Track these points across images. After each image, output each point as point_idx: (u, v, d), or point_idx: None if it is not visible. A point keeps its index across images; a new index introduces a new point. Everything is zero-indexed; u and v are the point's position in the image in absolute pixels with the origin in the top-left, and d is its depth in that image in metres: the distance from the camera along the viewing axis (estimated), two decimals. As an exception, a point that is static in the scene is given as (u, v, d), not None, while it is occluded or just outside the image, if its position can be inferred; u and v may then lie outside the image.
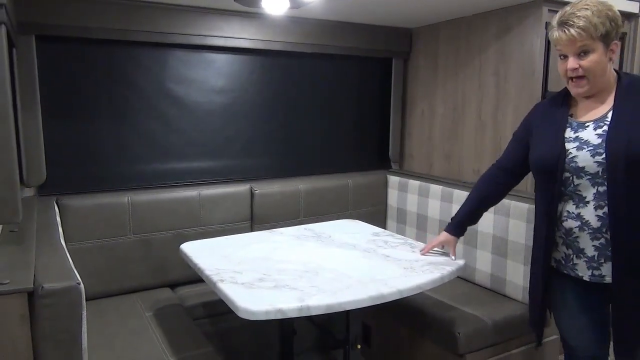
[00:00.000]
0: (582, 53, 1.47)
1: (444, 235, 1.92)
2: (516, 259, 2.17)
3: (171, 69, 2.44)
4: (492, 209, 2.26)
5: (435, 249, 1.94)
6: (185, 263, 1.91)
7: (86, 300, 1.23)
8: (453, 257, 1.87)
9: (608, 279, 1.55)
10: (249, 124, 2.69)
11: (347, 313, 1.74)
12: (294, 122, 2.84)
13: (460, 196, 2.45)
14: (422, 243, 2.08)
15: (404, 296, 1.58)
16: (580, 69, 1.48)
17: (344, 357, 1.85)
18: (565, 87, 1.63)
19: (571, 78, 1.52)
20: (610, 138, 1.48)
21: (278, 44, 2.61)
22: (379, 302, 1.52)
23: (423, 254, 1.90)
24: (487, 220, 2.29)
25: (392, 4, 2.37)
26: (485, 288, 2.34)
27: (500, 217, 2.24)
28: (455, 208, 2.46)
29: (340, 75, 2.95)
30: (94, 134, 2.32)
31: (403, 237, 2.17)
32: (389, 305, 1.68)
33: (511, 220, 2.19)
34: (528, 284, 1.86)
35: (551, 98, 1.74)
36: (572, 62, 1.49)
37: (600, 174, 1.50)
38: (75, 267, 1.28)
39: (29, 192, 2.20)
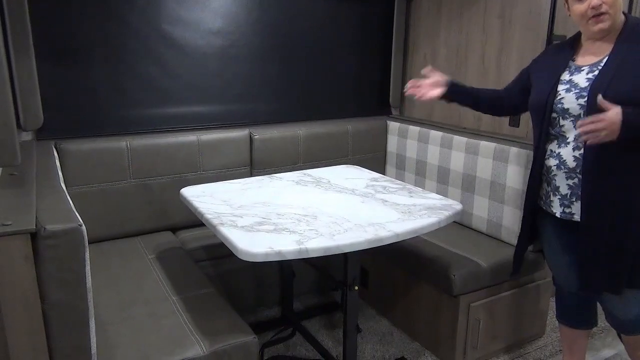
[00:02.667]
0: None
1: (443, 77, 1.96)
2: (513, 204, 2.20)
3: (166, 9, 2.37)
4: (490, 155, 2.27)
5: (434, 195, 1.97)
6: (186, 207, 1.93)
7: (89, 242, 1.25)
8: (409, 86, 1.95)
9: (576, 217, 1.64)
10: (247, 67, 2.64)
11: (345, 256, 1.77)
12: (293, 66, 2.78)
13: (460, 142, 2.44)
14: (419, 188, 2.09)
15: (401, 239, 1.61)
16: (603, 5, 1.49)
17: (342, 298, 1.91)
18: (576, 33, 1.64)
19: (593, 16, 1.52)
20: (594, 82, 1.52)
21: (277, -16, 2.51)
22: (376, 245, 1.55)
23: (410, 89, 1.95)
24: (485, 166, 2.30)
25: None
26: (481, 233, 2.38)
27: (498, 162, 2.24)
28: (454, 154, 2.48)
29: (341, 17, 2.86)
30: (90, 77, 2.27)
31: (401, 182, 2.18)
32: (386, 249, 1.71)
33: (509, 166, 2.19)
34: (523, 228, 1.92)
35: (562, 42, 1.78)
36: None
37: (582, 116, 1.56)
38: (77, 210, 1.30)
39: (27, 137, 2.19)
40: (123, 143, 2.26)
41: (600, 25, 1.53)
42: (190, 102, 2.53)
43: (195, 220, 1.92)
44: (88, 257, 1.23)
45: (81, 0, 2.18)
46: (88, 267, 1.23)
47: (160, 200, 2.36)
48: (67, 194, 1.49)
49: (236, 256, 1.46)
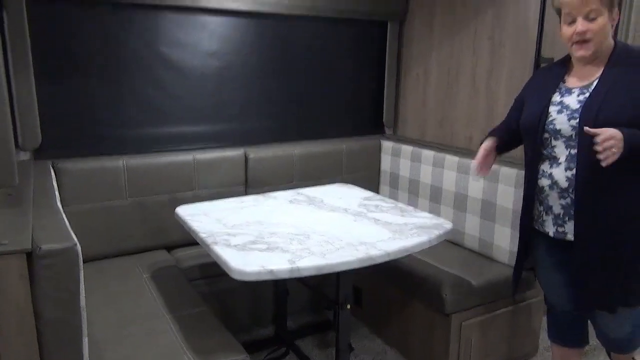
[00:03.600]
0: (590, 17, 1.52)
1: (490, 140, 1.82)
2: (504, 223, 2.23)
3: (164, 31, 2.42)
4: (482, 175, 2.30)
5: (425, 214, 1.99)
6: (181, 226, 1.95)
7: (85, 261, 1.28)
8: (476, 167, 1.79)
9: (570, 237, 1.66)
10: (243, 88, 2.69)
11: (338, 275, 1.79)
12: (288, 87, 2.83)
13: (452, 162, 2.48)
14: (411, 207, 2.12)
15: (392, 259, 1.64)
16: (588, 33, 1.53)
17: (335, 317, 1.92)
18: (566, 55, 1.68)
19: (577, 41, 1.57)
20: (586, 104, 1.56)
21: (271, 7, 2.57)
22: (367, 264, 1.58)
23: (478, 171, 1.81)
24: (477, 185, 2.34)
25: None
26: (473, 251, 2.41)
27: (490, 182, 2.27)
28: (446, 173, 2.51)
29: (335, 38, 2.92)
30: (88, 98, 2.31)
31: (394, 201, 2.21)
32: (379, 267, 1.74)
33: (500, 185, 2.23)
34: (515, 248, 1.94)
35: (552, 64, 1.83)
36: (581, 25, 1.53)
37: (573, 137, 1.59)
38: (73, 230, 1.32)
39: (24, 156, 2.22)
40: (120, 162, 2.29)
41: (582, 52, 1.57)
42: (187, 122, 2.57)
43: (190, 239, 1.94)
44: (82, 276, 1.25)
45: (81, 21, 2.24)
46: (82, 286, 1.25)
47: (156, 219, 2.38)
48: (63, 213, 1.51)
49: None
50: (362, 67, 3.06)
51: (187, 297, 1.93)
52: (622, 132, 1.43)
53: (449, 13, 2.70)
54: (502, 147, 1.86)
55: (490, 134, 1.89)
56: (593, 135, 1.45)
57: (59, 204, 1.68)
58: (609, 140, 1.41)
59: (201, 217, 1.94)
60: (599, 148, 1.42)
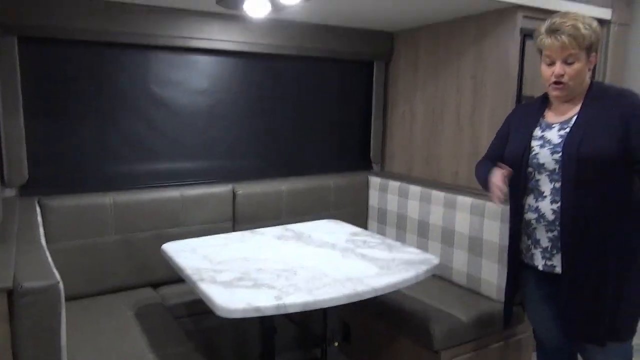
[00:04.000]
0: (569, 61, 1.60)
1: (500, 171, 1.74)
2: (491, 258, 2.23)
3: (154, 70, 2.47)
4: (468, 210, 2.33)
5: (412, 249, 2.00)
6: (167, 263, 1.94)
7: (69, 299, 1.26)
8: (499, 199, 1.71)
9: (558, 270, 1.67)
10: (232, 125, 2.72)
11: (325, 311, 1.78)
12: (277, 124, 2.87)
13: (438, 197, 2.51)
14: (398, 242, 2.13)
15: (379, 294, 1.63)
16: (565, 76, 1.61)
17: (322, 354, 1.90)
18: (545, 92, 1.75)
19: (554, 82, 1.64)
20: (567, 139, 1.62)
21: (260, 47, 2.64)
22: (354, 300, 1.57)
23: (499, 201, 1.72)
24: (463, 220, 2.35)
25: (373, 8, 2.42)
26: (461, 286, 2.40)
27: (476, 217, 2.30)
28: (433, 209, 2.53)
29: (322, 77, 2.99)
30: (77, 135, 2.33)
31: (381, 236, 2.22)
32: (367, 303, 1.73)
33: (486, 220, 2.25)
34: (502, 283, 1.94)
35: (531, 102, 1.89)
36: (559, 69, 1.61)
37: (557, 171, 1.64)
38: (57, 267, 1.31)
39: (10, 193, 2.21)
40: (107, 199, 2.28)
41: (557, 93, 1.65)
42: (175, 158, 2.59)
43: (176, 276, 1.93)
44: (64, 314, 1.23)
45: (72, 61, 2.28)
46: (64, 325, 1.23)
47: (142, 255, 2.36)
48: (47, 250, 1.50)
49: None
50: (350, 105, 3.12)
51: (172, 335, 1.89)
52: None
53: (433, 53, 2.78)
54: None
55: (485, 166, 1.87)
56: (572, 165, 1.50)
57: (43, 241, 1.67)
58: None
59: (187, 253, 1.92)
60: None
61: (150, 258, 2.36)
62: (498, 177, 1.74)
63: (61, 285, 1.20)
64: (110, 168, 2.42)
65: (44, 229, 2.04)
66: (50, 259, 1.39)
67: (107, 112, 2.38)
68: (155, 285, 2.43)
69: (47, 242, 1.83)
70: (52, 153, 2.29)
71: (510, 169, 1.74)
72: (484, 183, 1.83)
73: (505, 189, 1.73)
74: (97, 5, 2.19)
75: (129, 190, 2.41)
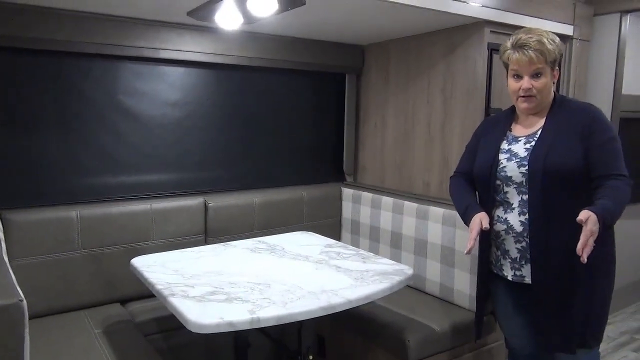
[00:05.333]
0: (536, 75, 1.65)
1: (479, 216, 1.73)
2: (463, 268, 2.26)
3: (123, 81, 2.42)
4: (439, 220, 2.36)
5: (386, 260, 2.01)
6: (137, 278, 1.89)
7: (32, 318, 1.21)
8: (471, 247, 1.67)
9: (527, 280, 1.70)
10: (203, 137, 2.69)
11: (300, 324, 1.76)
12: (249, 136, 2.85)
13: (411, 208, 2.53)
14: (372, 254, 2.13)
15: (354, 306, 1.62)
16: (533, 89, 1.65)
17: (297, 369, 1.87)
18: (512, 106, 1.78)
19: (522, 96, 1.68)
20: (533, 152, 1.66)
21: (232, 58, 2.62)
22: (329, 312, 1.55)
23: (468, 252, 1.68)
24: (435, 231, 2.38)
25: (344, 23, 2.44)
26: (434, 297, 2.42)
27: (448, 227, 2.32)
28: (406, 219, 2.55)
29: (294, 89, 2.99)
30: (41, 147, 2.25)
31: (355, 248, 2.22)
32: (342, 315, 1.72)
33: (458, 230, 2.28)
34: (474, 292, 1.96)
35: (498, 114, 1.93)
36: (527, 82, 1.65)
37: (524, 183, 1.67)
38: (20, 284, 1.25)
39: (-30, 207, 2.12)
40: (73, 213, 2.21)
41: (526, 105, 1.69)
42: (145, 171, 2.53)
43: (145, 291, 1.88)
44: (28, 333, 1.18)
45: (34, 70, 2.21)
46: (27, 345, 1.18)
47: (110, 271, 2.29)
48: (9, 267, 1.44)
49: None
50: (322, 116, 3.13)
51: (142, 353, 1.84)
52: (596, 214, 1.43)
53: (403, 66, 2.82)
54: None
55: (460, 187, 1.89)
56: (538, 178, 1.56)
57: (5, 257, 1.60)
58: (591, 236, 1.41)
59: (158, 268, 1.88)
60: (586, 249, 1.41)
61: (118, 273, 2.29)
62: (475, 228, 1.69)
63: (25, 303, 1.15)
64: (76, 180, 2.35)
65: (6, 245, 1.96)
66: (13, 275, 1.33)
67: (73, 123, 2.32)
68: (124, 302, 2.36)
69: (9, 259, 1.76)
70: (15, 165, 2.21)
71: (488, 218, 1.71)
72: (462, 215, 1.82)
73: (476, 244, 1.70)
74: (64, 15, 2.14)
75: (96, 203, 2.34)
